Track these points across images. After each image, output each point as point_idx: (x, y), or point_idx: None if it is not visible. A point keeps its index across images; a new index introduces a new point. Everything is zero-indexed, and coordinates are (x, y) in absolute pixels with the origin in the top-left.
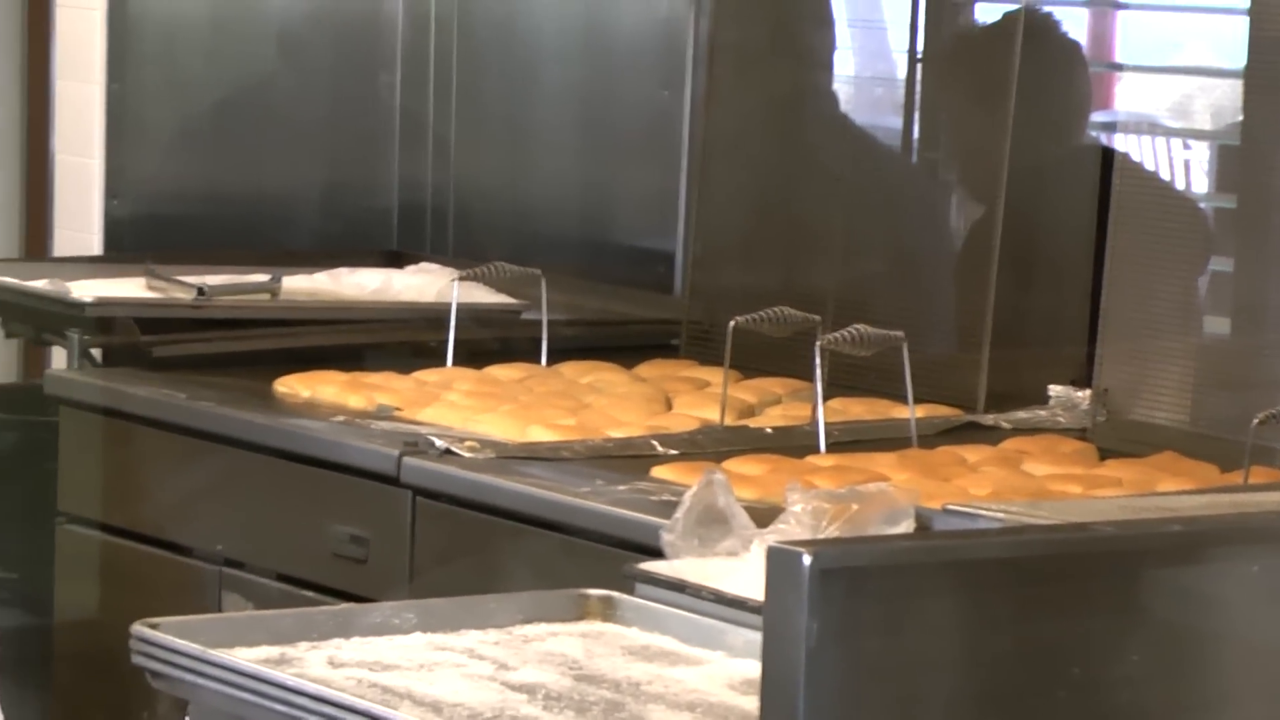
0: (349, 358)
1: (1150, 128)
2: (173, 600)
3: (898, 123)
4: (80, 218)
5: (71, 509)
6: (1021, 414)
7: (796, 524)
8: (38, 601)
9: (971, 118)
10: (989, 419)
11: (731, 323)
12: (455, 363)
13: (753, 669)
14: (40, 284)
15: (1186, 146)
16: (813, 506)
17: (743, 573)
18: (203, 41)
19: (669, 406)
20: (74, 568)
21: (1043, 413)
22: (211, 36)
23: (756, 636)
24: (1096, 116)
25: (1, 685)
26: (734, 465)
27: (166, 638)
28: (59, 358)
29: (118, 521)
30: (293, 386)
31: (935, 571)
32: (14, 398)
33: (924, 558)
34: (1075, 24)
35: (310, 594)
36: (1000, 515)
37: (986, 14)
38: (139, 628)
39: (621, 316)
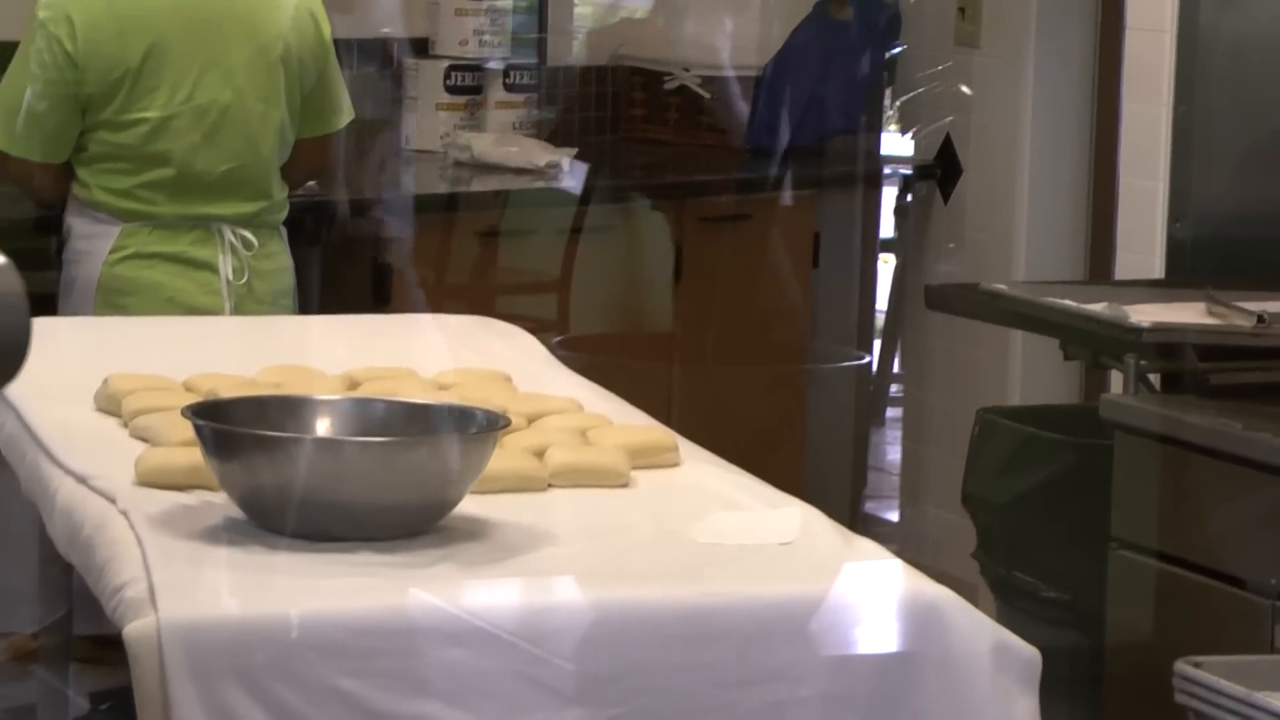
0: None
1: None
2: (1223, 632)
3: None
4: (1142, 240)
5: (1124, 534)
6: None
7: None
8: (1090, 623)
9: None
10: None
11: None
12: None
13: None
14: (1098, 307)
15: None
16: None
17: None
18: (1275, 59)
19: None
20: (1126, 593)
21: None
22: None
23: None
24: None
25: (1047, 703)
26: None
27: (1210, 678)
28: (1117, 382)
29: (1170, 549)
30: None
31: None
32: (1071, 420)
33: None
34: None
35: None
36: None
37: None
38: (1182, 665)
39: None
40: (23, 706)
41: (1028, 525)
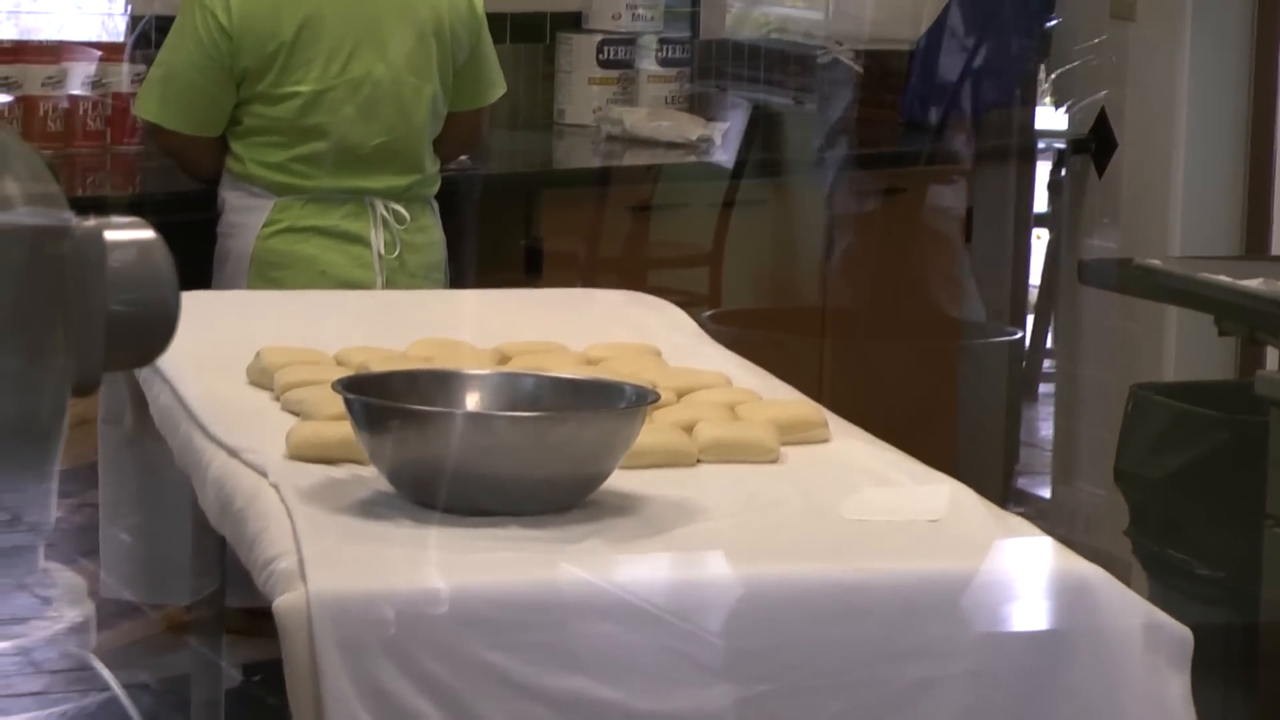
0: None
1: None
2: None
3: None
4: None
5: None
6: None
7: None
8: (1244, 601)
9: None
10: None
11: None
12: None
13: None
14: (1254, 283)
15: None
16: None
17: None
18: None
19: None
20: None
21: None
22: None
23: None
24: None
25: (1200, 682)
26: None
27: None
28: (1273, 358)
29: None
30: None
31: None
32: (1226, 396)
33: None
34: None
35: None
36: None
37: None
38: None
39: None
40: (177, 677)
41: (1181, 502)
